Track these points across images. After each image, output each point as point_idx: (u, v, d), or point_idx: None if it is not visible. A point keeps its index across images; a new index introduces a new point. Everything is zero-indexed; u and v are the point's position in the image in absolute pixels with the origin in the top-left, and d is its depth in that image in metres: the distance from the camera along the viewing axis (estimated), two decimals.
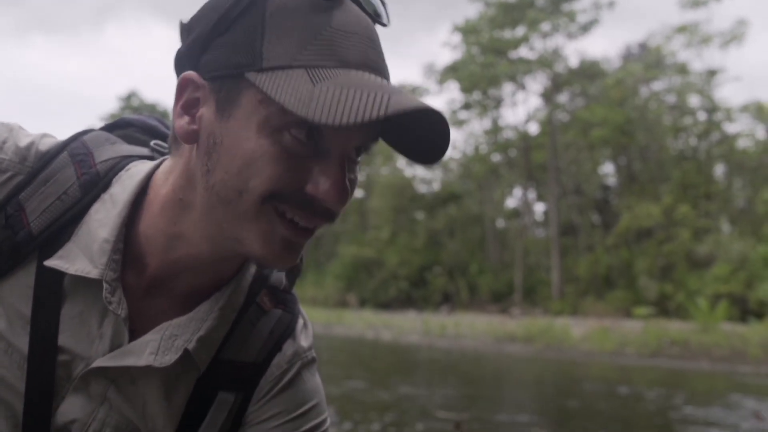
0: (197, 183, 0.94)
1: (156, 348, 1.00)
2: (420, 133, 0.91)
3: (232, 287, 1.08)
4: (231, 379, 1.09)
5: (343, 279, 44.99)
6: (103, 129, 1.19)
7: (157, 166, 1.06)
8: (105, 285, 0.97)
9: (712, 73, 35.79)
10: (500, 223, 47.12)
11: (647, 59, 37.77)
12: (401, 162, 50.96)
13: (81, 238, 1.00)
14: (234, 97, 0.88)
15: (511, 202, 48.01)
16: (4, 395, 1.01)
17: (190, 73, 0.93)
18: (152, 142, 1.19)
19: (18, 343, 0.99)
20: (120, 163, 1.07)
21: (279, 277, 1.17)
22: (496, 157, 45.70)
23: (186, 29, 0.96)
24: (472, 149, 47.76)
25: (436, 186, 50.59)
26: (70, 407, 1.01)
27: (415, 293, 42.52)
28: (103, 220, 1.00)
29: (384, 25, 0.96)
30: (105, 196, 1.02)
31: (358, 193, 53.62)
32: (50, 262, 0.98)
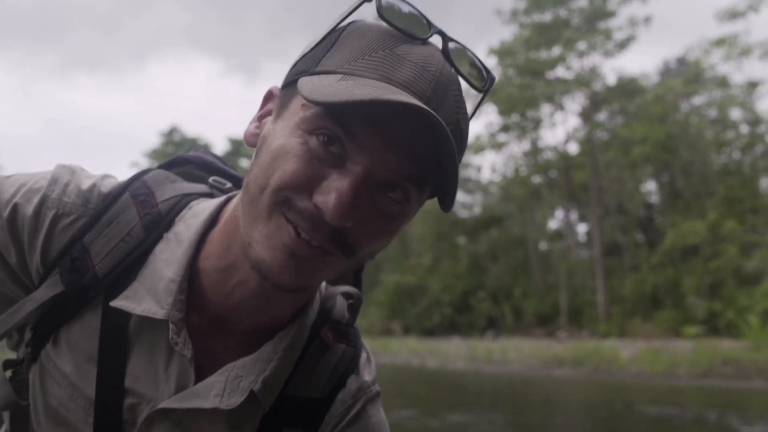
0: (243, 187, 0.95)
1: (222, 390, 1.00)
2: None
3: (297, 326, 1.06)
4: (296, 416, 1.08)
5: (387, 307, 44.99)
6: (161, 167, 1.21)
7: (225, 203, 1.07)
8: (171, 326, 0.98)
9: (753, 85, 35.37)
10: (543, 245, 46.81)
11: (686, 74, 37.45)
12: None
13: (146, 279, 1.01)
14: (287, 101, 0.91)
15: (554, 224, 47.80)
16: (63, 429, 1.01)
17: (274, 87, 0.98)
18: (211, 179, 1.20)
19: (84, 387, 0.99)
20: (181, 202, 1.08)
21: (341, 310, 1.16)
22: (537, 179, 45.46)
23: None
24: (512, 171, 47.62)
25: (477, 210, 50.58)
26: None
27: (459, 319, 42.36)
28: (168, 259, 1.01)
29: (478, 90, 0.97)
30: (169, 236, 1.04)
31: None
32: (116, 303, 0.98)
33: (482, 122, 45.67)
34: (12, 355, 1.09)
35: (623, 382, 17.63)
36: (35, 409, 1.04)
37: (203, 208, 1.06)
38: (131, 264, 1.01)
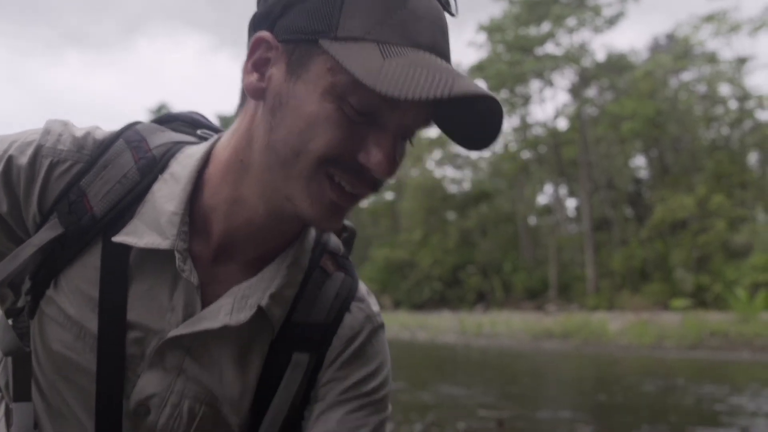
0: (258, 141, 0.97)
1: (230, 309, 1.03)
2: (471, 119, 0.94)
3: (296, 247, 1.10)
4: (304, 340, 1.11)
5: (377, 282, 44.97)
6: (151, 122, 1.23)
7: (214, 144, 1.10)
8: (177, 254, 1.01)
9: (742, 61, 35.43)
10: (532, 220, 46.90)
11: (676, 50, 37.47)
12: (431, 163, 50.96)
13: (146, 215, 1.03)
14: (305, 61, 0.92)
15: (543, 199, 47.93)
16: (79, 380, 1.04)
17: (265, 33, 0.96)
18: (198, 131, 1.22)
19: (90, 326, 1.02)
20: (173, 148, 1.11)
21: (336, 243, 1.20)
22: (526, 155, 45.45)
23: None
24: (501, 147, 47.61)
25: (466, 185, 50.50)
26: (147, 383, 1.04)
27: (449, 293, 42.46)
28: (168, 195, 1.04)
29: (452, 15, 0.99)
30: (165, 176, 1.06)
31: (389, 195, 53.66)
32: (118, 238, 1.01)
33: None
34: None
35: (611, 354, 17.74)
36: (37, 357, 1.07)
37: (195, 150, 1.10)
38: (129, 204, 1.04)
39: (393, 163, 0.92)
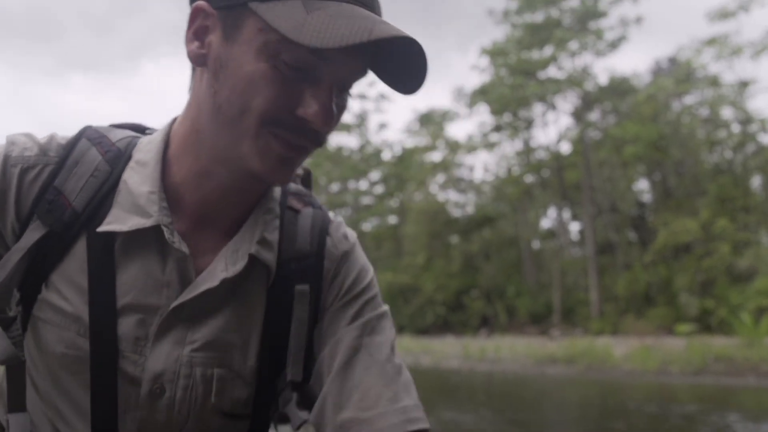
0: (205, 107, 1.03)
1: (224, 266, 1.09)
2: (403, 65, 0.99)
3: (266, 198, 1.18)
4: (300, 273, 1.18)
5: None
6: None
7: (171, 125, 1.16)
8: (164, 228, 1.05)
9: (744, 85, 35.45)
10: (536, 244, 46.83)
11: (678, 73, 37.53)
12: (434, 187, 51.02)
13: (124, 202, 1.07)
14: (238, 24, 0.97)
15: (546, 223, 47.81)
16: (85, 378, 1.05)
17: (201, 2, 1.01)
18: (146, 131, 1.26)
19: (84, 316, 1.04)
20: (133, 140, 1.17)
21: (296, 185, 1.30)
22: (529, 178, 45.50)
23: None
24: (504, 171, 47.68)
25: (470, 209, 50.54)
26: (156, 361, 1.06)
27: (452, 318, 42.36)
28: (140, 180, 1.08)
29: None
30: (132, 164, 1.11)
31: (392, 219, 53.65)
32: (103, 228, 1.05)
33: (474, 122, 45.73)
34: None
35: (616, 379, 17.67)
36: (34, 364, 1.08)
37: (154, 136, 1.15)
38: (105, 195, 1.08)
39: (329, 113, 0.97)
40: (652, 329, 29.16)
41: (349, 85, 1.03)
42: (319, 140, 1.03)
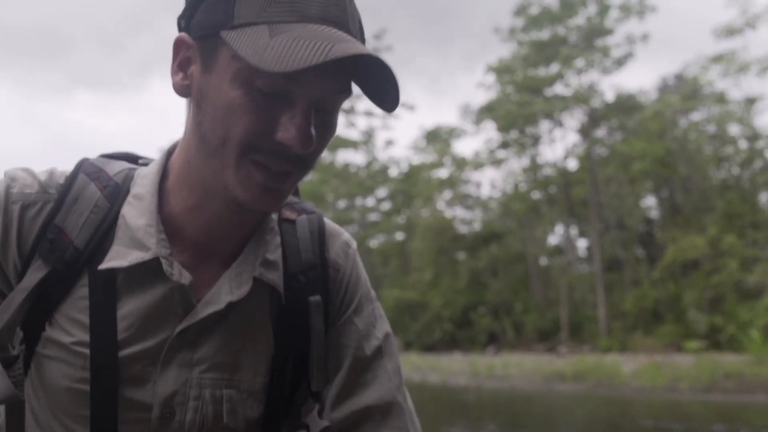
0: (193, 138, 1.05)
1: (229, 289, 1.10)
2: (383, 83, 0.99)
3: (266, 219, 1.19)
4: (309, 284, 1.20)
5: (387, 323, 44.67)
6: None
7: (169, 157, 1.18)
8: (163, 260, 1.06)
9: (751, 101, 35.40)
10: (543, 260, 46.69)
11: (684, 90, 37.49)
12: (441, 203, 50.97)
13: (123, 237, 1.08)
14: (215, 54, 0.98)
15: (554, 239, 47.70)
16: (82, 403, 1.05)
17: (182, 35, 1.04)
18: (140, 161, 1.28)
19: (86, 350, 1.05)
20: (130, 173, 1.18)
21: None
22: (536, 195, 45.39)
23: None
24: (511, 188, 47.62)
25: (476, 226, 50.43)
26: (165, 385, 1.07)
27: (460, 334, 42.16)
28: (137, 214, 1.10)
29: None
30: (129, 199, 1.12)
31: (399, 235, 53.57)
32: (104, 266, 1.05)
33: (481, 139, 45.75)
34: None
35: (625, 396, 17.60)
36: (38, 402, 1.09)
37: (149, 168, 1.17)
38: (106, 230, 1.08)
39: (307, 135, 0.96)
40: (661, 346, 28.98)
41: (331, 105, 1.02)
42: (305, 164, 1.03)
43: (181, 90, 1.05)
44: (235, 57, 0.95)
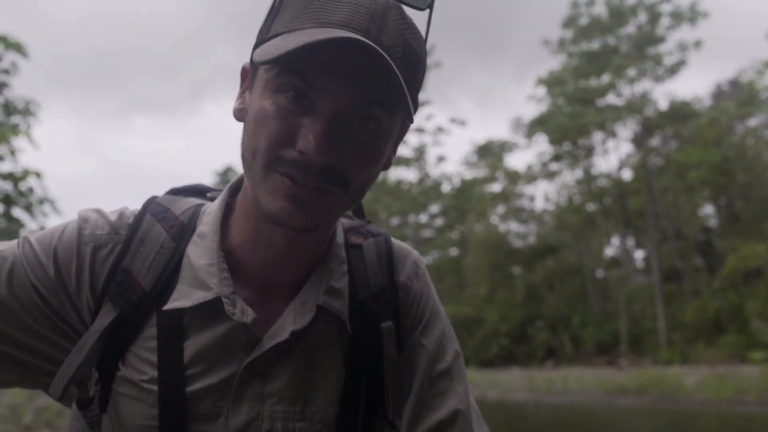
0: (241, 159, 1.04)
1: (293, 320, 1.09)
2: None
3: (332, 247, 1.18)
4: (380, 310, 1.18)
5: None
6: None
7: (231, 188, 1.20)
8: (224, 300, 1.06)
9: None
10: (600, 272, 46.24)
11: (740, 96, 36.95)
12: (495, 218, 50.80)
13: (187, 276, 1.09)
14: (254, 72, 1.03)
15: (610, 251, 47.21)
16: None
17: (245, 64, 1.07)
18: (208, 194, 1.29)
19: (155, 388, 1.06)
20: (197, 210, 1.19)
21: (347, 219, 1.30)
22: (591, 207, 45.00)
23: None
24: (565, 200, 47.28)
25: (531, 239, 50.16)
26: (238, 418, 1.07)
27: (517, 349, 41.92)
28: (200, 253, 1.10)
29: (419, 8, 1.05)
30: (194, 238, 1.13)
31: (453, 251, 53.47)
32: (169, 306, 1.07)
33: (533, 152, 45.61)
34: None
35: (690, 410, 17.28)
36: None
37: (214, 204, 1.17)
38: (172, 272, 1.10)
39: (323, 143, 0.93)
40: (724, 357, 28.47)
41: (363, 120, 0.98)
42: (339, 181, 0.98)
43: (237, 114, 1.08)
44: (267, 70, 0.97)
